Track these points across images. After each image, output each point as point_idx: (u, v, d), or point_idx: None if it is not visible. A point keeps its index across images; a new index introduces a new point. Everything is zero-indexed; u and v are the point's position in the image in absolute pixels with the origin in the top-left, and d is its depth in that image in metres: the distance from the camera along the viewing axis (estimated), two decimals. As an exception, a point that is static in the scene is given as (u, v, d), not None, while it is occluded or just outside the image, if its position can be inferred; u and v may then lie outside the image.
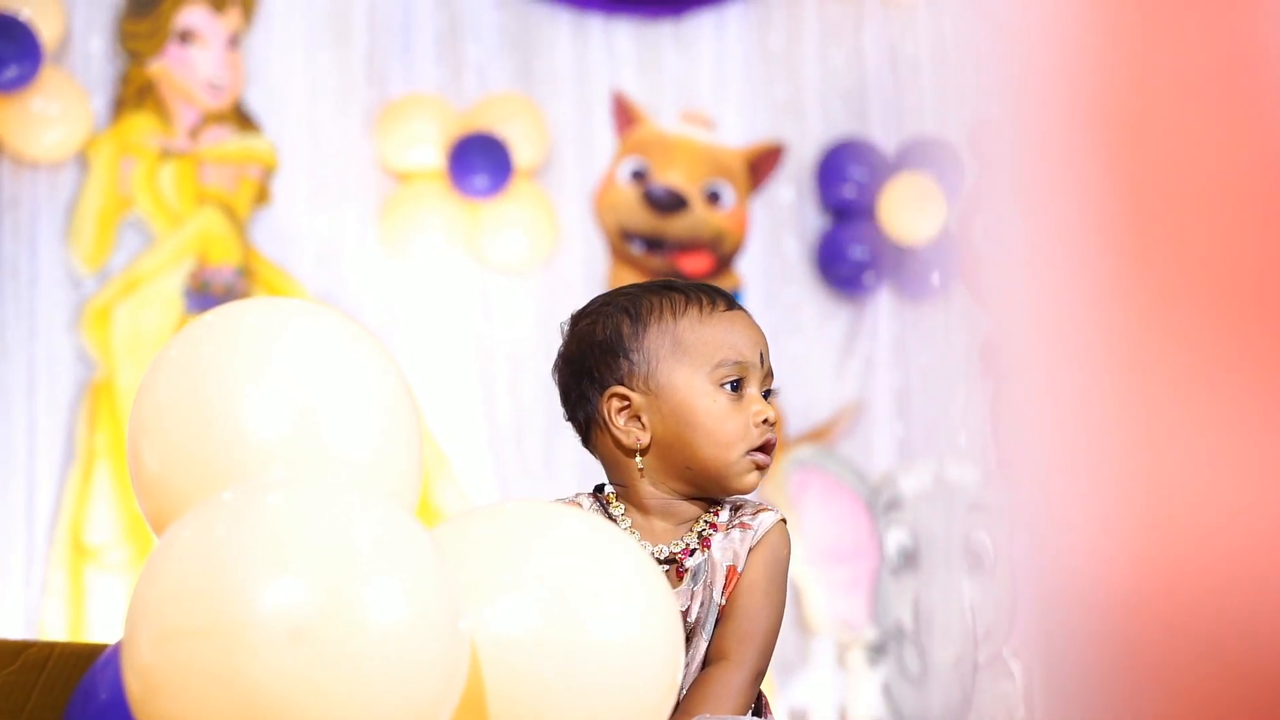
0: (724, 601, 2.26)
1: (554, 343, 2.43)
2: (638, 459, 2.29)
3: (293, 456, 1.80)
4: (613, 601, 1.82)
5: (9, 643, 2.38)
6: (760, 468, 2.28)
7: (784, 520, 2.32)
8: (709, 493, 2.31)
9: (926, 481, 6.22)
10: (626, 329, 2.29)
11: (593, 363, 2.31)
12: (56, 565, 5.56)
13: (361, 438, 1.85)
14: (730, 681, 2.22)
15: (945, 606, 6.14)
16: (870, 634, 6.12)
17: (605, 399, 2.29)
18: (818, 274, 6.89)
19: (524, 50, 6.64)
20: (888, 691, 6.09)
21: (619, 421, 2.28)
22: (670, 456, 2.28)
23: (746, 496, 2.34)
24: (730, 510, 2.32)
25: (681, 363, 2.27)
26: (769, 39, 6.97)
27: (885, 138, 6.94)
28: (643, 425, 2.28)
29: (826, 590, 6.11)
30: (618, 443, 2.29)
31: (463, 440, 6.16)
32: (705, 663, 2.26)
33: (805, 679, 6.22)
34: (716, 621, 2.26)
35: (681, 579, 2.26)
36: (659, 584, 1.87)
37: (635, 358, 2.28)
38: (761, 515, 2.30)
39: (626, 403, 2.28)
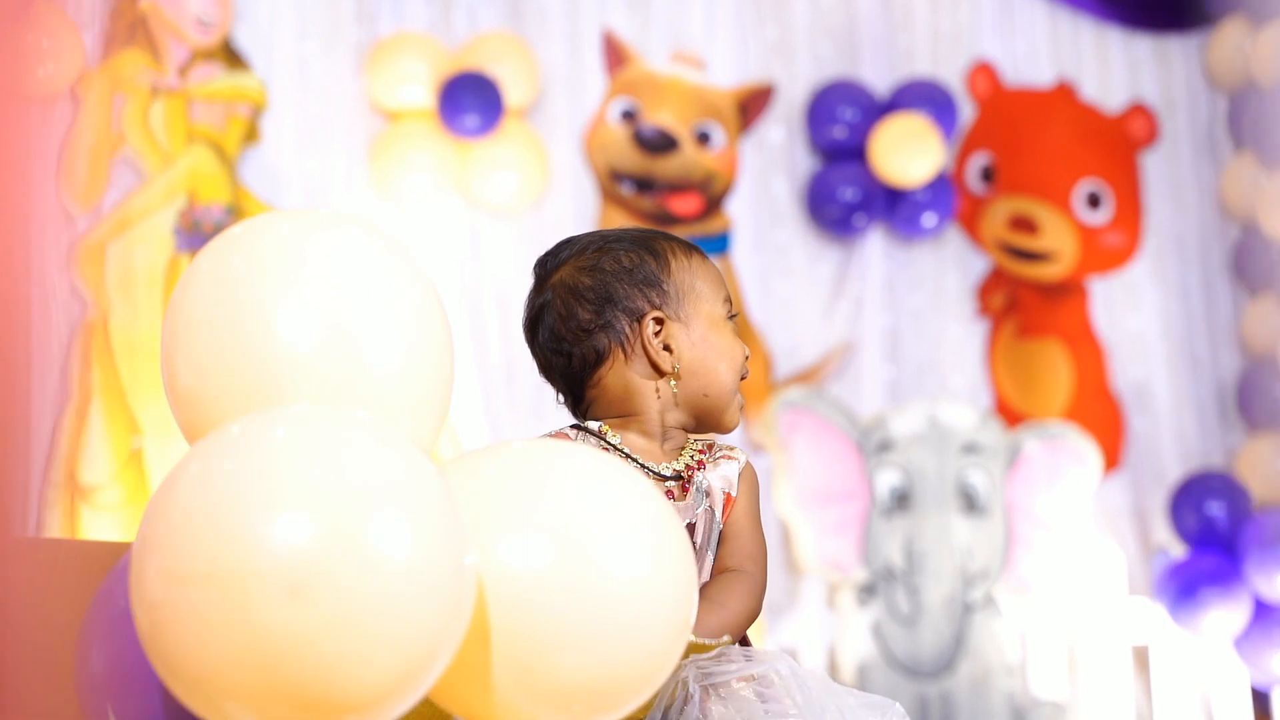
0: (722, 525, 2.40)
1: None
2: (671, 383, 2.39)
3: (325, 366, 1.80)
4: (625, 540, 1.82)
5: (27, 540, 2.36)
6: (742, 406, 2.48)
7: None
8: (704, 426, 2.45)
9: (919, 423, 6.21)
10: (651, 262, 2.41)
11: (622, 290, 2.39)
12: (50, 505, 5.53)
13: (393, 346, 1.86)
14: (746, 585, 2.37)
15: (937, 547, 6.15)
16: (860, 575, 6.13)
17: (644, 322, 2.38)
18: (807, 215, 6.88)
19: (514, -11, 6.61)
20: (878, 632, 6.11)
21: (656, 344, 2.38)
22: (693, 383, 2.41)
23: (711, 439, 2.50)
24: (707, 448, 2.47)
25: (701, 296, 2.42)
26: (759, -21, 6.95)
27: (877, 78, 6.93)
28: (670, 352, 2.39)
29: (816, 531, 6.11)
30: (655, 365, 2.39)
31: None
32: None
33: (794, 620, 6.23)
34: (719, 543, 2.41)
35: (687, 494, 2.38)
36: (672, 523, 1.88)
37: (668, 287, 2.40)
38: (736, 453, 2.47)
39: (661, 326, 2.38)
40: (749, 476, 2.45)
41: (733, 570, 2.38)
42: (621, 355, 2.38)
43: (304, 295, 1.83)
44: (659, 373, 2.39)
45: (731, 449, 2.46)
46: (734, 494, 2.41)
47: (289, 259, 1.85)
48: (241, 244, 1.88)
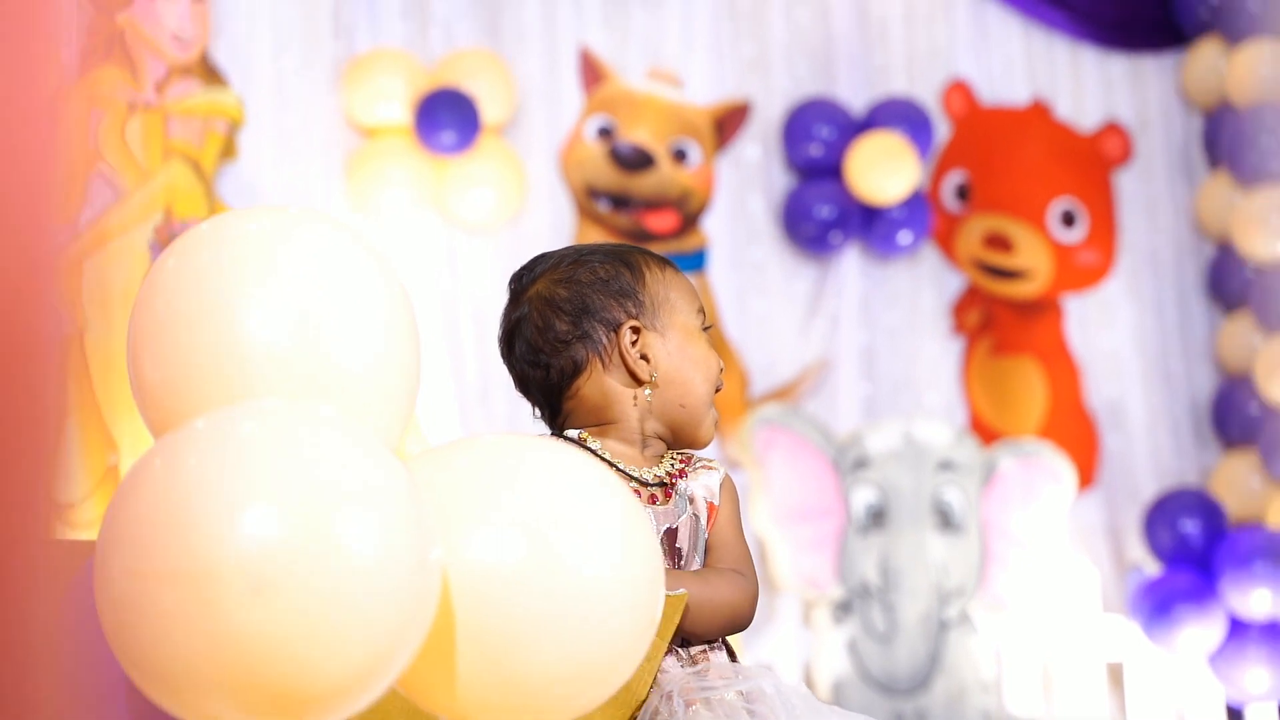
0: (708, 535, 2.43)
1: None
2: (646, 392, 2.41)
3: (292, 362, 1.79)
4: (592, 534, 1.83)
5: None
6: (716, 420, 2.50)
7: None
8: (680, 439, 2.47)
9: (895, 440, 6.23)
10: (626, 274, 2.44)
11: (598, 301, 2.42)
12: (24, 521, 5.51)
13: (362, 341, 1.85)
14: (736, 581, 2.40)
15: (912, 564, 6.16)
16: (836, 592, 6.13)
17: (621, 331, 2.40)
18: (783, 233, 6.89)
19: (491, 6, 6.61)
20: (853, 649, 6.11)
21: (634, 353, 2.40)
22: (669, 392, 2.43)
23: (700, 453, 2.53)
24: (686, 459, 2.49)
25: (676, 308, 2.45)
26: (736, -4, 6.97)
27: (853, 96, 6.94)
28: (647, 361, 2.41)
29: (792, 548, 6.11)
30: (633, 374, 2.41)
31: (428, 397, 6.14)
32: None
33: (770, 637, 6.23)
34: (705, 552, 2.45)
35: (670, 499, 2.40)
36: (639, 518, 1.89)
37: (643, 298, 2.43)
38: (716, 464, 2.50)
39: (638, 335, 2.41)
40: (730, 487, 2.47)
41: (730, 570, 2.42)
42: (599, 365, 2.40)
43: (271, 291, 1.82)
44: (637, 381, 2.41)
45: (710, 461, 2.49)
46: (717, 503, 2.44)
47: (256, 255, 1.85)
48: (208, 240, 1.88)
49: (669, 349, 2.42)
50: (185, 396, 1.79)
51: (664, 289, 2.44)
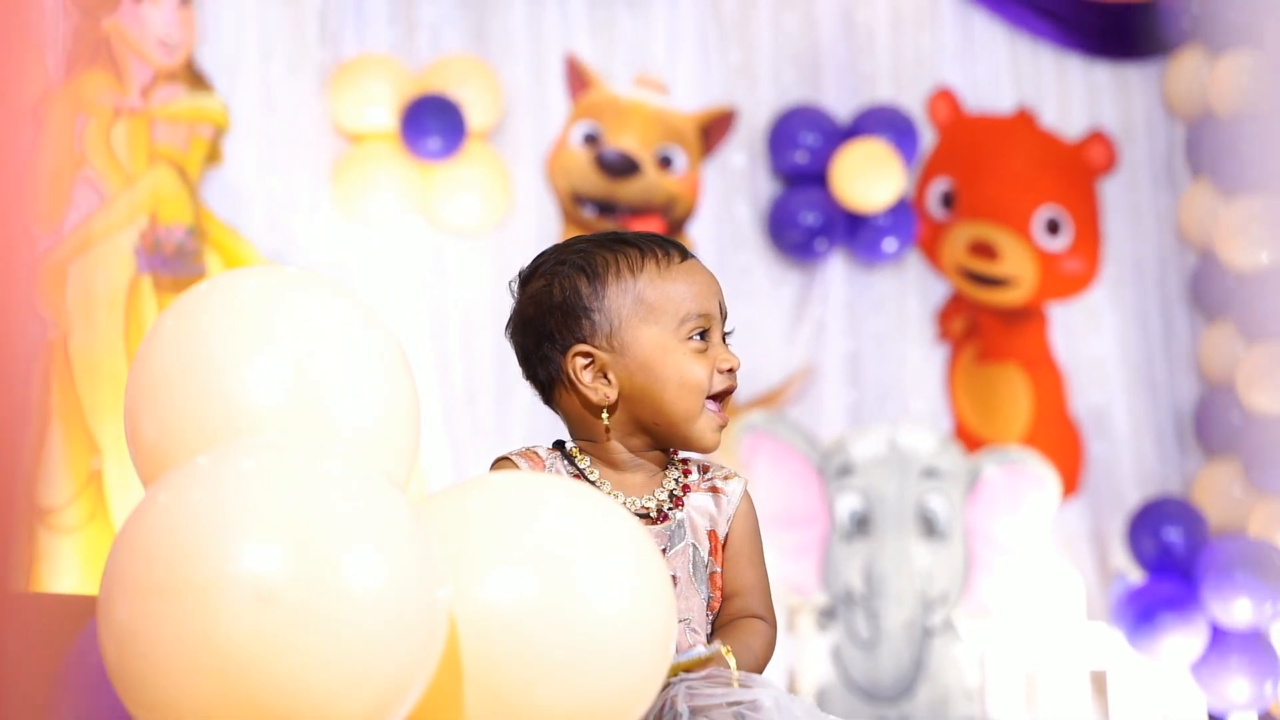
0: (719, 569, 2.34)
1: (506, 305, 2.45)
2: (604, 416, 2.32)
3: (289, 423, 1.79)
4: (606, 573, 1.82)
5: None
6: (721, 425, 2.35)
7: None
8: (676, 446, 2.37)
9: (879, 447, 6.23)
10: (585, 288, 2.32)
11: (553, 325, 2.33)
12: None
13: (359, 404, 1.85)
14: (771, 638, 2.35)
15: (897, 571, 6.17)
16: (820, 599, 6.14)
17: (570, 357, 2.31)
18: (769, 239, 6.89)
19: (478, 12, 6.61)
20: (837, 655, 6.11)
21: (585, 379, 2.32)
22: (637, 410, 2.32)
23: (708, 458, 2.42)
24: (699, 470, 2.40)
25: (646, 321, 2.32)
26: (722, 3, 6.97)
27: (839, 104, 6.95)
28: (609, 381, 2.32)
29: (776, 555, 6.11)
30: (585, 401, 2.32)
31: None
32: (722, 616, 2.37)
33: (754, 644, 6.22)
34: (708, 579, 2.35)
35: (659, 523, 2.32)
36: (653, 555, 1.88)
37: (597, 317, 2.31)
38: (731, 482, 2.39)
39: (590, 359, 2.31)
40: (746, 510, 2.40)
41: (757, 620, 2.37)
42: (562, 388, 2.35)
43: (268, 352, 1.83)
44: (593, 408, 2.33)
45: (726, 476, 2.41)
46: (720, 532, 2.35)
47: (254, 316, 1.85)
48: (207, 301, 1.88)
49: (630, 368, 2.31)
50: (183, 454, 1.79)
51: (630, 299, 2.31)
